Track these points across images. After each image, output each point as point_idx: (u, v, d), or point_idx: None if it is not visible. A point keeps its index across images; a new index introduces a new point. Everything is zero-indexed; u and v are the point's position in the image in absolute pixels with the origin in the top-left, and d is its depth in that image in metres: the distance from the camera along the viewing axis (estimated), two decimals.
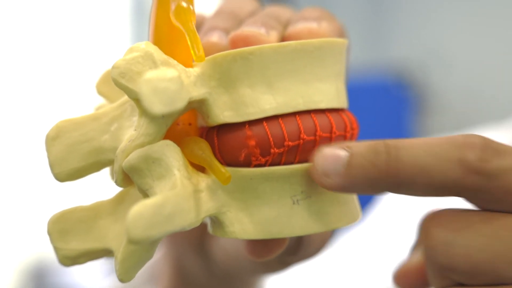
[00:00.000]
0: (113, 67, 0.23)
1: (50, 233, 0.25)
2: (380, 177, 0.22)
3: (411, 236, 0.54)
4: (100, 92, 0.28)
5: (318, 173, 0.23)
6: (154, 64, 0.23)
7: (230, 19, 0.28)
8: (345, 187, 0.23)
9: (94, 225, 0.26)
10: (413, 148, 0.22)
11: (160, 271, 0.41)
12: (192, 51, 0.24)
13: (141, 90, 0.21)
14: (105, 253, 0.26)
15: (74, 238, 0.25)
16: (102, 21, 1.75)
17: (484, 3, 1.78)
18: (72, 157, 0.25)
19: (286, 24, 0.27)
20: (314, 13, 0.27)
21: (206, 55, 0.25)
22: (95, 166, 0.25)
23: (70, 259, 0.25)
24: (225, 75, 0.24)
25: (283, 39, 0.27)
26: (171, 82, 0.21)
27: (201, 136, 0.26)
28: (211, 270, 0.36)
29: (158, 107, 0.21)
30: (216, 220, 0.25)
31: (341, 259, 0.57)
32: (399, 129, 1.73)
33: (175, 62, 0.24)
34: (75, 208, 0.26)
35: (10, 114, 1.60)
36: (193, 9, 0.25)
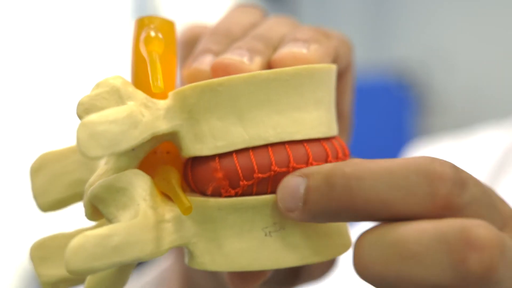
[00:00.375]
0: (78, 104, 0.23)
1: (32, 258, 0.26)
2: (339, 211, 0.21)
3: None
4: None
5: (281, 208, 0.23)
6: (121, 99, 0.23)
7: (223, 39, 0.27)
8: (310, 220, 0.22)
9: None
10: (374, 180, 0.20)
11: (168, 280, 0.41)
12: (151, 82, 0.24)
13: (77, 134, 0.20)
14: (85, 279, 0.26)
15: (54, 264, 0.26)
16: (103, 23, 1.75)
17: (486, 2, 1.77)
18: (53, 189, 0.26)
19: (276, 46, 0.26)
20: (306, 34, 0.26)
21: (194, 81, 0.25)
22: (75, 198, 0.26)
23: (50, 285, 0.26)
24: (195, 107, 0.24)
25: (269, 63, 0.26)
26: (114, 123, 0.21)
27: (184, 165, 0.26)
28: (219, 282, 0.35)
29: (94, 151, 0.20)
30: (188, 251, 0.25)
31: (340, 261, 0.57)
32: (400, 130, 1.72)
33: (143, 95, 0.24)
34: (56, 235, 0.26)
35: (12, 115, 1.61)
36: (162, 38, 0.24)
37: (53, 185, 0.26)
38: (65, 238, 0.26)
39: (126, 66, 0.27)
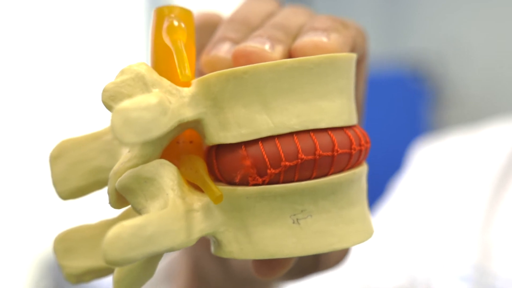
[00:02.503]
0: (103, 90, 0.23)
1: (55, 251, 0.26)
2: None
3: (419, 233, 0.54)
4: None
5: None
6: (145, 86, 0.23)
7: (241, 27, 0.27)
8: None
9: (98, 244, 0.26)
10: None
11: (177, 271, 0.41)
12: (178, 70, 0.24)
13: (112, 120, 0.20)
14: (110, 271, 0.26)
15: (78, 256, 0.26)
16: (117, 20, 1.75)
17: None
18: (73, 177, 0.25)
19: (295, 35, 0.27)
20: (325, 23, 0.26)
21: (213, 69, 0.25)
22: (96, 185, 0.26)
23: (75, 277, 0.26)
24: (219, 95, 0.24)
25: (289, 52, 0.26)
26: (146, 110, 0.21)
27: (206, 154, 0.26)
28: (228, 273, 0.35)
29: (129, 137, 0.20)
30: (215, 240, 0.25)
31: (351, 258, 0.57)
32: (416, 123, 1.71)
33: (168, 83, 0.24)
34: (80, 227, 0.26)
35: (26, 115, 1.62)
36: (184, 27, 0.24)
37: (73, 172, 0.25)
38: (89, 230, 0.26)
39: (140, 56, 0.27)
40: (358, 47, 0.28)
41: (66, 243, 0.26)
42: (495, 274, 0.47)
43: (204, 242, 0.35)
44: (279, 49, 0.25)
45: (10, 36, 1.55)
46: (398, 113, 1.71)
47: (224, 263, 0.35)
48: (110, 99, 0.23)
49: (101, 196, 0.27)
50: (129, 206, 0.25)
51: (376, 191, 0.67)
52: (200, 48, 0.29)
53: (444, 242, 0.51)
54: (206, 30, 0.30)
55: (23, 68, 1.59)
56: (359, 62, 0.29)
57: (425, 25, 1.91)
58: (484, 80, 1.77)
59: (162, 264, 0.43)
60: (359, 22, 0.30)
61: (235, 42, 0.26)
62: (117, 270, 0.23)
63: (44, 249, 1.61)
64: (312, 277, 0.31)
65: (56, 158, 0.26)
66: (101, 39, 1.71)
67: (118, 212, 0.27)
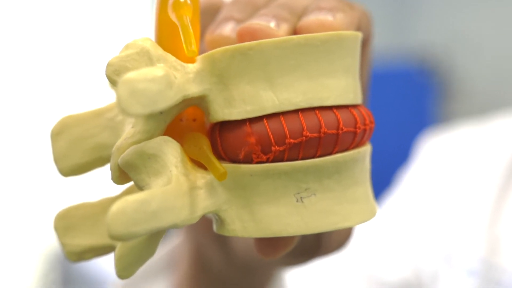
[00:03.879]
0: (107, 65, 0.23)
1: (56, 228, 0.25)
2: None
3: (425, 226, 0.54)
4: (112, 86, 0.28)
5: None
6: (150, 61, 0.23)
7: (246, 7, 0.27)
8: None
9: (99, 221, 0.26)
10: None
11: (179, 258, 0.41)
12: (184, 46, 0.23)
13: (118, 91, 0.20)
14: (111, 249, 0.26)
15: (79, 234, 0.25)
16: (123, 11, 1.75)
17: None
18: (75, 153, 0.25)
19: (300, 15, 0.26)
20: (331, 3, 0.26)
21: (217, 47, 0.25)
22: (98, 162, 0.26)
23: (75, 255, 0.25)
24: (224, 72, 0.24)
25: (295, 31, 0.26)
26: (153, 82, 0.21)
27: (209, 132, 0.25)
28: (230, 259, 0.35)
29: (135, 108, 0.20)
30: (218, 218, 0.25)
31: (355, 244, 0.57)
32: (423, 116, 1.70)
33: (173, 58, 0.23)
34: (81, 204, 0.26)
35: (33, 107, 1.62)
36: (190, 3, 0.24)
37: (75, 149, 0.25)
38: (90, 208, 0.26)
39: (144, 32, 0.26)
40: (363, 29, 0.28)
41: (66, 221, 0.25)
42: (502, 268, 0.47)
43: (206, 229, 0.35)
44: (285, 27, 0.25)
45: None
46: (405, 107, 1.70)
47: (226, 249, 0.35)
48: (114, 74, 0.23)
49: (103, 173, 0.27)
50: (131, 183, 0.25)
51: (384, 184, 0.66)
52: (203, 30, 0.29)
53: (451, 236, 0.51)
54: (209, 13, 0.30)
55: (22, 42, 1.59)
56: (364, 45, 0.29)
57: (432, 18, 1.89)
58: (492, 73, 1.75)
59: (164, 251, 0.43)
60: None
61: (240, 21, 0.26)
62: (119, 247, 0.23)
63: (53, 242, 1.62)
64: (313, 261, 0.31)
65: (57, 134, 0.25)
66: (105, 15, 1.71)
67: (120, 189, 0.26)
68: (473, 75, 1.80)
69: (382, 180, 0.76)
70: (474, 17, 1.79)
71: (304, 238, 0.28)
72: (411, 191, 0.57)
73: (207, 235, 0.35)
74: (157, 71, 0.21)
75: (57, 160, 0.25)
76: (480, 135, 0.56)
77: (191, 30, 0.24)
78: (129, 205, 0.20)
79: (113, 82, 0.23)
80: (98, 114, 0.25)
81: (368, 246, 0.56)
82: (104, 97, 0.30)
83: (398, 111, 1.66)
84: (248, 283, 0.38)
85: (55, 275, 1.66)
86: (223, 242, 0.35)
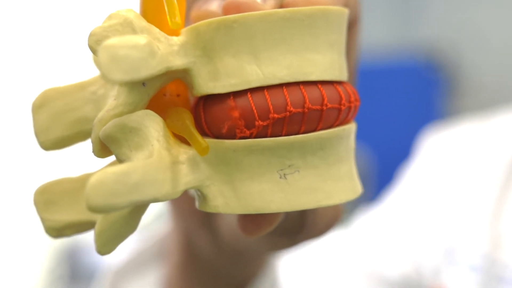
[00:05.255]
0: (90, 35, 0.22)
1: (35, 203, 0.25)
2: None
3: (427, 221, 0.53)
4: (96, 62, 0.28)
5: None
6: (134, 32, 0.22)
7: None
8: None
9: (80, 197, 0.25)
10: None
11: (168, 247, 0.41)
12: (168, 17, 0.23)
13: (99, 56, 0.20)
14: (91, 225, 0.25)
15: (59, 209, 0.25)
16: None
17: None
18: (56, 126, 0.25)
19: None
20: None
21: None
22: (80, 136, 0.25)
23: (55, 230, 0.25)
24: (209, 44, 0.23)
25: (281, 6, 0.25)
26: (135, 49, 0.20)
27: (193, 108, 0.25)
28: (219, 246, 0.35)
29: (116, 74, 0.20)
30: (200, 194, 0.24)
31: (355, 240, 0.57)
32: (430, 112, 1.69)
33: (156, 30, 0.23)
34: (62, 180, 0.25)
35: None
36: None
37: (56, 122, 0.25)
38: (71, 183, 0.25)
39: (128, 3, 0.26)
40: (350, 7, 0.28)
41: (46, 196, 0.25)
42: (504, 263, 0.47)
43: (193, 215, 0.35)
44: (271, 2, 0.25)
45: None
46: (412, 101, 1.69)
47: (213, 235, 0.35)
48: (96, 43, 0.22)
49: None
50: (113, 158, 0.25)
51: (391, 178, 0.66)
52: (189, 7, 0.28)
53: (453, 231, 0.51)
54: None
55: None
56: (351, 27, 0.29)
57: (439, 13, 1.88)
58: (499, 68, 1.74)
59: (154, 241, 0.43)
60: (373, 11, 0.29)
61: None
62: (99, 222, 0.23)
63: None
64: (300, 245, 0.30)
65: (38, 107, 0.25)
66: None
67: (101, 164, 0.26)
68: (480, 70, 1.79)
69: (389, 175, 0.76)
70: (481, 11, 1.78)
71: (288, 216, 0.28)
72: (412, 186, 0.56)
73: (195, 221, 0.35)
74: (139, 39, 0.21)
75: (38, 133, 0.25)
76: (483, 131, 0.55)
77: (175, 2, 0.23)
78: (109, 176, 0.20)
79: (94, 52, 0.23)
80: (80, 87, 0.25)
81: (369, 240, 0.56)
82: (89, 74, 0.30)
83: (404, 106, 1.66)
84: (238, 271, 0.37)
85: (62, 270, 1.66)
86: (210, 227, 0.34)
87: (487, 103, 1.19)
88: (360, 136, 0.41)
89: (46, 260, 1.67)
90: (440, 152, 0.57)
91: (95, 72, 0.29)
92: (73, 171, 0.29)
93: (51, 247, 1.66)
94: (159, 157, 0.22)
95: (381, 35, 1.67)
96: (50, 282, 1.67)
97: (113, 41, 0.20)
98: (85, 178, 0.26)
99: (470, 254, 0.49)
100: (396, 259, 0.53)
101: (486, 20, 1.76)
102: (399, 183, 0.59)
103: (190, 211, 0.35)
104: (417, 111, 1.65)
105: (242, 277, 0.38)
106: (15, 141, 1.63)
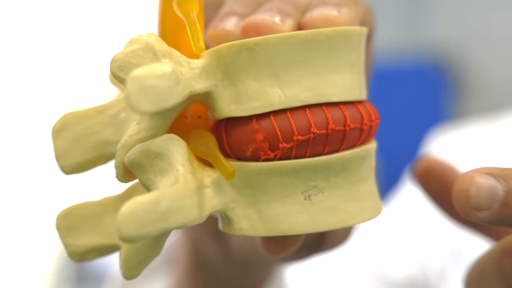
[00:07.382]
0: (111, 60, 0.22)
1: (58, 228, 0.25)
2: None
3: (430, 225, 0.53)
4: (113, 82, 0.28)
5: (468, 204, 0.22)
6: (155, 56, 0.22)
7: (249, 2, 0.27)
8: (494, 223, 0.22)
9: (102, 221, 0.25)
10: None
11: (176, 255, 0.41)
12: (192, 42, 0.23)
13: (127, 87, 0.20)
14: (113, 249, 0.25)
15: (81, 234, 0.25)
16: (125, 5, 1.75)
17: None
18: (77, 151, 0.25)
19: (305, 10, 0.26)
20: None
21: (220, 43, 0.24)
22: (101, 159, 0.25)
23: (78, 255, 0.25)
24: (230, 67, 0.23)
25: (299, 26, 0.25)
26: (162, 79, 0.20)
27: (213, 129, 0.25)
28: (228, 256, 0.35)
29: (145, 105, 0.20)
30: (225, 217, 0.24)
31: (360, 241, 0.57)
32: (437, 114, 1.69)
33: (178, 54, 0.23)
34: (83, 204, 0.25)
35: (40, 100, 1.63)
36: None
37: (77, 147, 0.25)
38: (92, 207, 0.25)
39: (147, 27, 0.26)
40: (367, 24, 0.28)
41: (69, 221, 0.25)
42: None
43: (204, 226, 0.35)
44: (289, 22, 0.25)
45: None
46: (419, 104, 1.69)
47: (222, 244, 0.35)
48: (119, 69, 0.22)
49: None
50: (135, 181, 0.25)
51: (398, 181, 0.65)
52: (205, 25, 0.28)
53: (458, 232, 0.50)
54: (211, 7, 0.29)
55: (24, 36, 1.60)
56: (367, 40, 0.29)
57: (446, 15, 1.88)
58: (506, 70, 1.74)
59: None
60: (380, 13, 0.29)
61: (243, 16, 0.26)
62: (124, 248, 0.23)
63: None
64: (314, 256, 0.30)
65: (59, 132, 0.25)
66: (107, 9, 1.70)
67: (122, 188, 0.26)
68: (487, 72, 1.78)
69: (396, 177, 0.75)
70: (489, 14, 1.78)
71: (309, 234, 0.28)
72: (413, 195, 0.56)
73: (203, 230, 0.35)
74: (165, 67, 0.21)
75: (58, 158, 0.25)
76: (490, 132, 0.55)
77: (198, 26, 0.23)
78: (139, 206, 0.20)
79: (117, 78, 0.23)
80: (100, 110, 0.25)
81: (374, 242, 0.56)
82: (105, 93, 0.30)
83: (412, 109, 1.65)
84: (247, 280, 0.37)
85: (69, 272, 1.67)
86: (219, 236, 0.34)
87: (494, 105, 1.19)
88: None
89: (53, 261, 1.67)
90: (446, 154, 0.57)
91: (112, 92, 0.29)
92: (93, 194, 0.29)
93: (59, 249, 1.66)
94: (185, 183, 0.21)
95: (388, 37, 1.66)
96: (57, 284, 1.67)
97: (140, 71, 0.20)
98: (105, 202, 0.26)
99: (476, 255, 0.49)
100: (402, 260, 0.53)
101: (494, 22, 1.76)
102: (406, 184, 0.59)
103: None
104: (424, 113, 1.65)
105: (250, 285, 0.38)
106: (34, 154, 1.63)
